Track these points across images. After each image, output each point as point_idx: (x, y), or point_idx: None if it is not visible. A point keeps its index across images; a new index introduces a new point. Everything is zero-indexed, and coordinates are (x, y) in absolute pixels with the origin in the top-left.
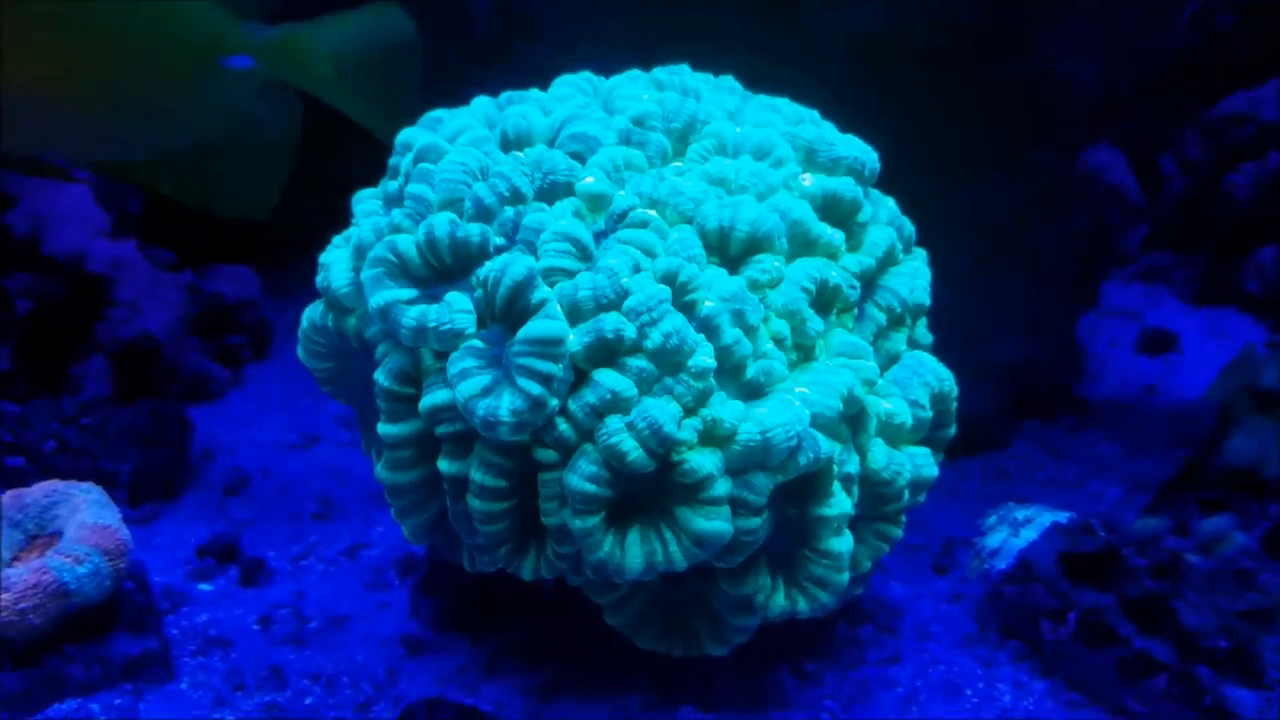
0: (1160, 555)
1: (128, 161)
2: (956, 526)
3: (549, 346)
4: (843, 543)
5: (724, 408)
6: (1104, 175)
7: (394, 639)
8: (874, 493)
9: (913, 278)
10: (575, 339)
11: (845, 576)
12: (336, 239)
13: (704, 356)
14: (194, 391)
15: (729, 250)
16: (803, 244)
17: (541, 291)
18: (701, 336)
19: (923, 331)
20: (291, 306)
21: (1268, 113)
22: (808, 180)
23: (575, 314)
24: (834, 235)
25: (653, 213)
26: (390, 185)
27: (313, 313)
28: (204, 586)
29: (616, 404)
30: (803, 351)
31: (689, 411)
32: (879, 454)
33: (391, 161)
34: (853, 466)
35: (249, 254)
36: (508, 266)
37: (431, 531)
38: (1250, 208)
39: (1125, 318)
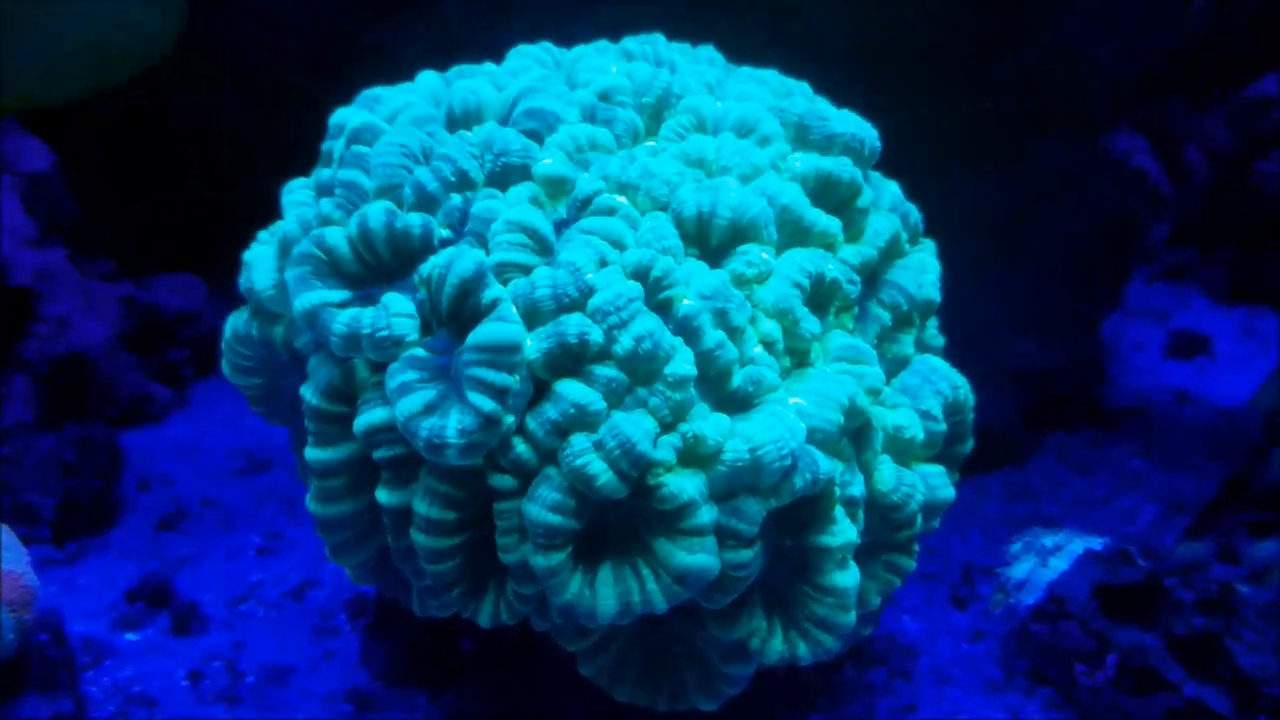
0: (1209, 586)
1: None
2: (976, 552)
3: (503, 354)
4: (848, 577)
5: (707, 422)
6: (1126, 162)
7: (340, 695)
8: (883, 518)
9: (920, 271)
10: (533, 345)
11: (851, 616)
12: (262, 234)
13: (683, 363)
14: (131, 414)
15: (709, 240)
16: (794, 233)
17: (494, 290)
18: (679, 340)
19: (933, 333)
20: None
21: None
22: (798, 161)
23: (533, 316)
24: (830, 223)
25: (622, 199)
26: (323, 173)
27: (236, 320)
28: (130, 636)
29: (582, 420)
30: (796, 356)
31: (666, 427)
32: (887, 473)
33: (324, 146)
34: (857, 489)
35: (196, 260)
36: (454, 261)
37: (374, 571)
38: None
39: (1150, 318)
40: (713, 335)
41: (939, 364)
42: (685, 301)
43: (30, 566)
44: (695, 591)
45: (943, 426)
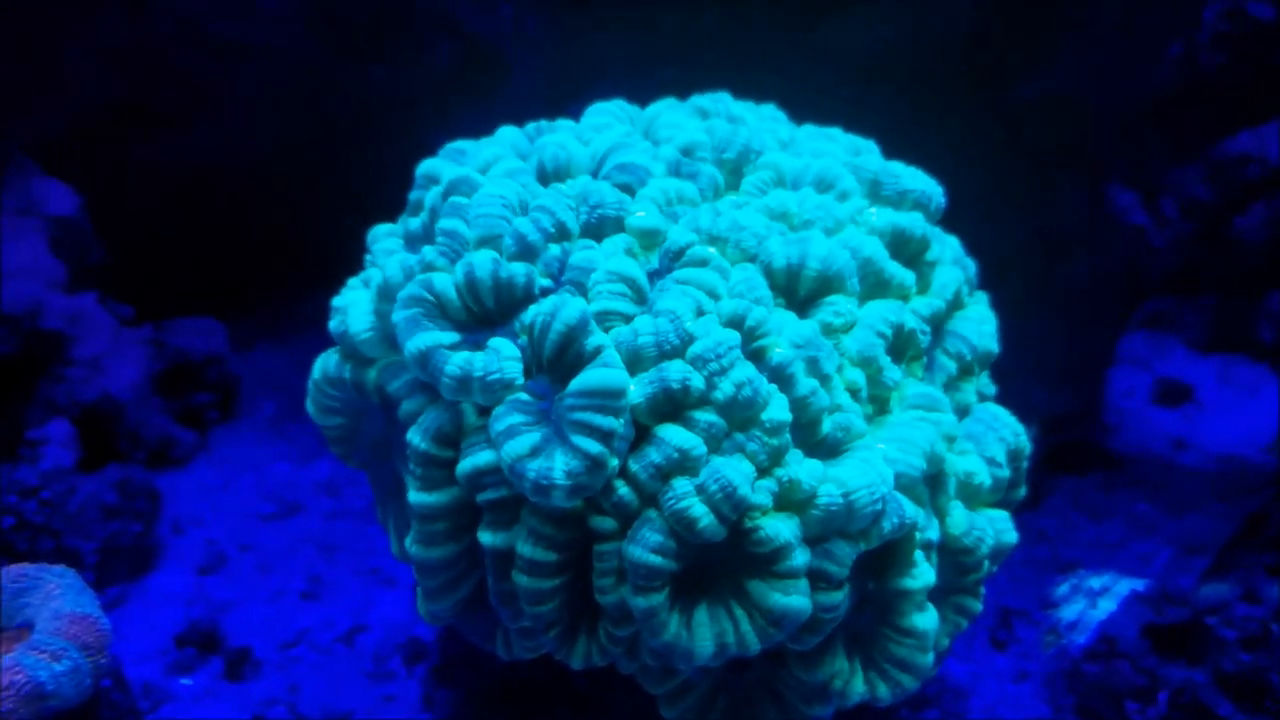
0: (1249, 625)
1: None
2: (1006, 595)
3: (609, 399)
4: (927, 619)
5: (801, 467)
6: (1124, 218)
7: None
8: (954, 562)
9: (980, 323)
10: (636, 390)
11: (930, 657)
12: (352, 281)
13: (779, 409)
14: (157, 457)
15: (798, 291)
16: (875, 284)
17: (597, 337)
18: (774, 387)
19: (987, 382)
20: (256, 361)
21: (1274, 151)
22: (874, 215)
23: (635, 362)
24: (906, 275)
25: (713, 250)
26: (412, 222)
27: (326, 362)
28: (185, 681)
29: (684, 464)
30: (878, 404)
31: (763, 472)
32: (959, 518)
33: (413, 196)
34: (934, 533)
35: (206, 306)
36: (559, 309)
37: (462, 614)
38: (1261, 251)
39: (1134, 366)
40: (806, 383)
41: (1001, 412)
42: (778, 350)
43: (102, 612)
44: (788, 633)
45: (1007, 472)
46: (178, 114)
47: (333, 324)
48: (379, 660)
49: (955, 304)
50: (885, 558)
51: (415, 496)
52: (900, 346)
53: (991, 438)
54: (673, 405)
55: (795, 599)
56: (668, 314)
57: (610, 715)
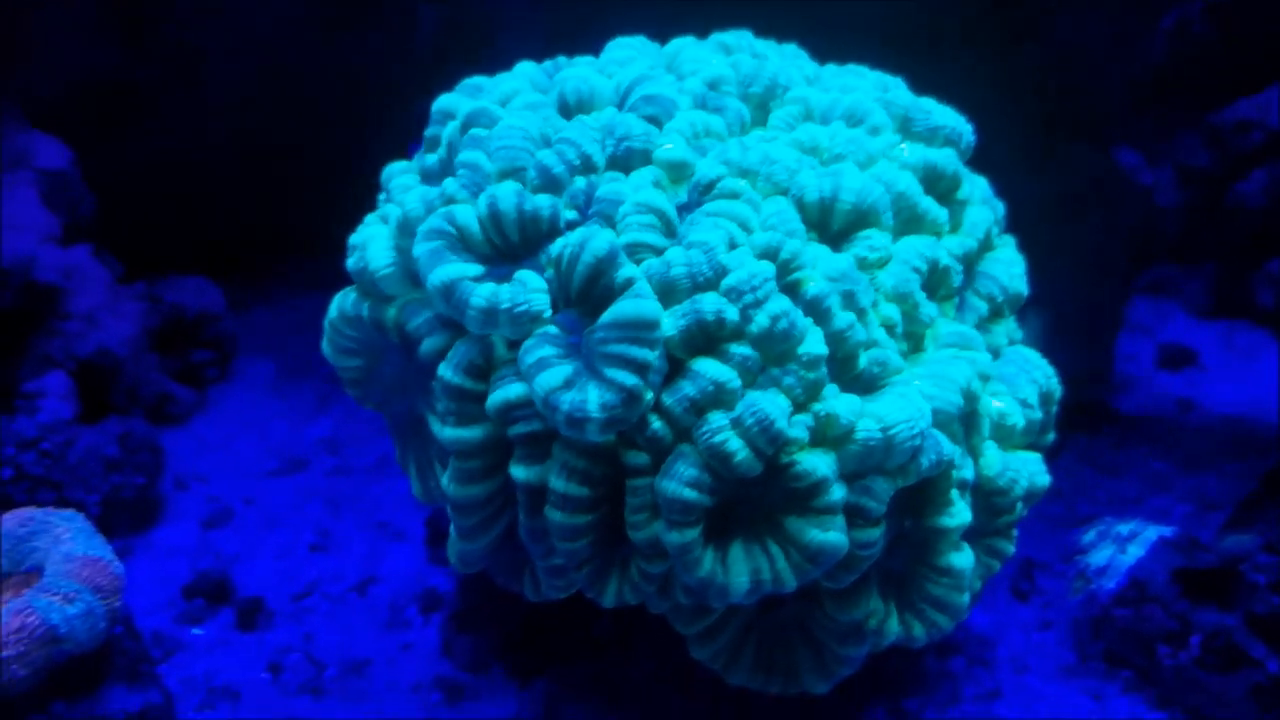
0: (1278, 572)
1: None
2: (1026, 547)
3: (642, 330)
4: (964, 558)
5: (839, 401)
6: (1133, 177)
7: (426, 683)
8: (986, 503)
9: (1010, 264)
10: (669, 322)
11: (966, 597)
12: (369, 217)
13: (815, 343)
14: (155, 414)
15: (831, 225)
16: (909, 220)
17: (628, 269)
18: (810, 321)
19: (1014, 326)
20: (250, 321)
21: (1275, 119)
22: (906, 151)
23: (667, 294)
24: (940, 212)
25: (743, 182)
26: (429, 158)
27: (343, 301)
28: (196, 631)
29: (719, 397)
30: (912, 340)
31: (799, 406)
32: (993, 458)
33: (429, 132)
34: (968, 472)
35: (199, 264)
36: (587, 240)
37: (493, 554)
38: (1262, 217)
39: (1137, 332)
40: (843, 316)
41: (1031, 354)
42: (813, 283)
43: (114, 555)
44: (824, 570)
45: (1039, 414)
46: (161, 81)
47: (350, 261)
48: (394, 610)
49: (986, 244)
50: (921, 496)
51: (450, 432)
52: (934, 283)
53: (1024, 379)
54: (707, 338)
55: (832, 535)
56: (700, 245)
57: (632, 661)
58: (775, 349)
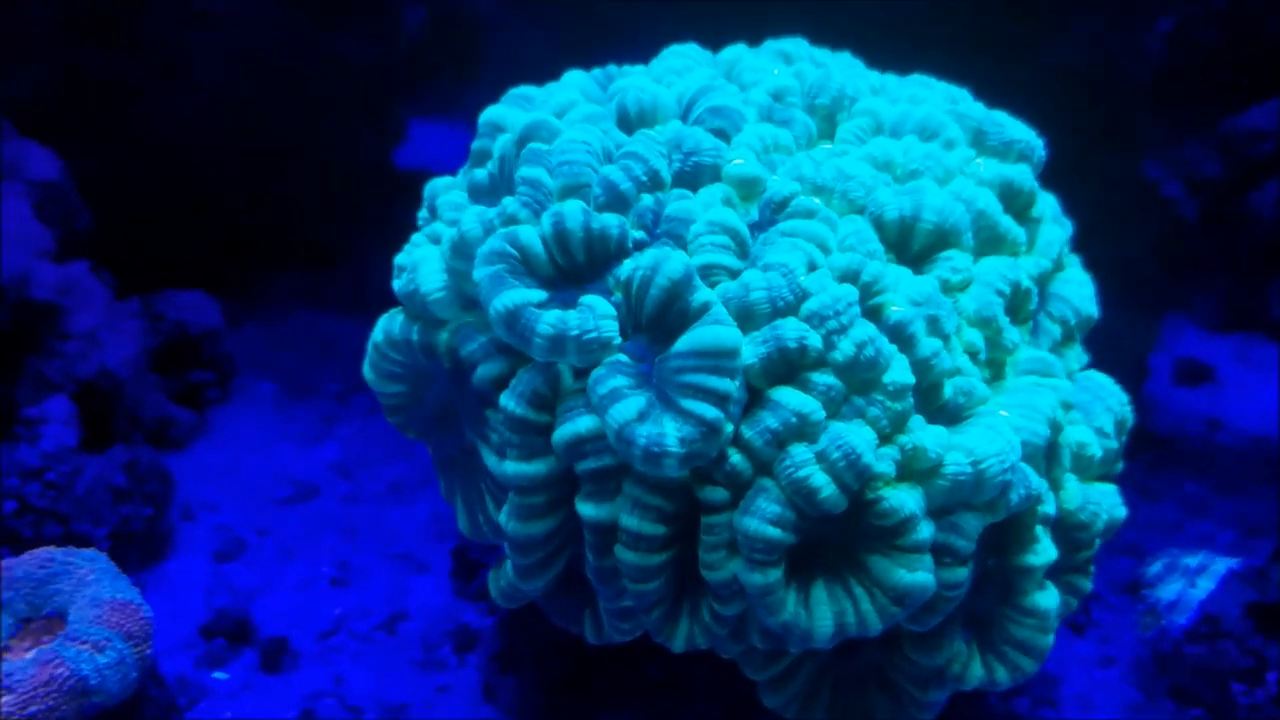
0: None
1: None
2: None
3: (722, 359)
4: (1049, 598)
5: (926, 433)
6: (1158, 190)
7: None
8: (1067, 538)
9: (1081, 286)
10: (748, 350)
11: (1050, 639)
12: (416, 237)
13: (901, 371)
14: (156, 439)
15: (910, 246)
16: (988, 240)
17: (704, 293)
18: (894, 348)
19: (1081, 350)
20: (243, 336)
21: None
22: (981, 166)
23: (745, 320)
24: (1019, 231)
25: (818, 200)
26: (478, 173)
27: (390, 324)
28: (218, 675)
29: (803, 429)
30: (994, 368)
31: (884, 439)
32: (1074, 491)
33: (476, 145)
34: (1051, 507)
35: (183, 279)
36: (661, 263)
37: (552, 595)
38: (1276, 228)
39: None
40: (928, 343)
41: (1105, 380)
42: (895, 308)
43: (143, 599)
44: (909, 612)
45: (1115, 444)
46: (143, 83)
47: (399, 283)
48: (428, 648)
49: (1057, 264)
50: (1006, 533)
51: (512, 466)
52: (1015, 307)
53: (1099, 407)
54: (788, 366)
55: (920, 575)
56: (779, 267)
57: (687, 706)
58: (859, 378)
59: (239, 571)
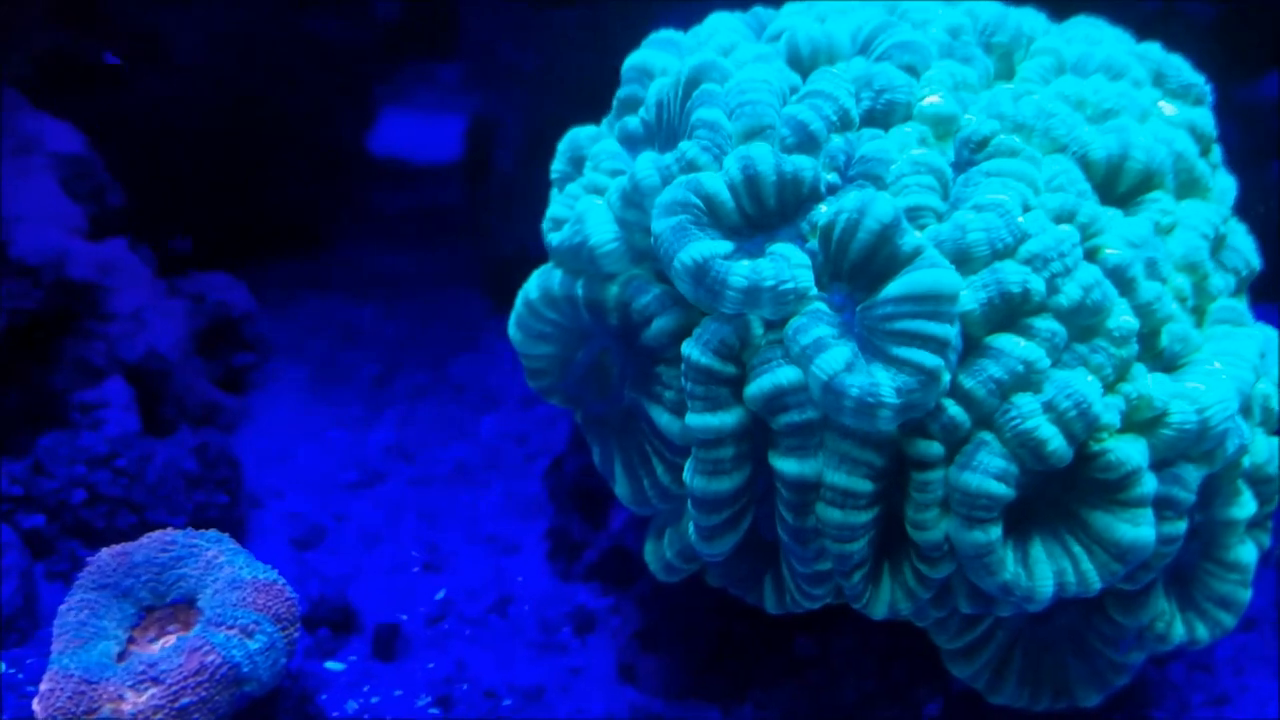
0: None
1: None
2: None
3: (941, 303)
4: (1250, 551)
5: (1150, 381)
6: None
7: (621, 715)
8: (1255, 491)
9: (1247, 236)
10: (967, 295)
11: (1249, 593)
12: (570, 188)
13: (1124, 316)
14: (202, 424)
15: (1116, 186)
16: (1186, 183)
17: (913, 236)
18: (1115, 291)
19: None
20: (279, 319)
21: None
22: (1168, 109)
23: (961, 263)
24: (1210, 176)
25: (1019, 138)
26: (629, 120)
27: (547, 281)
28: (332, 665)
29: (1028, 378)
30: (1198, 315)
31: (1108, 387)
32: (1261, 445)
33: (622, 93)
34: (1247, 459)
35: (213, 261)
36: (868, 206)
37: (729, 560)
38: None
39: None
40: (1148, 287)
41: (1273, 332)
42: (1111, 250)
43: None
44: (1129, 569)
45: None
46: (121, 65)
47: (559, 236)
48: (547, 631)
49: (1230, 214)
50: (1212, 485)
51: (697, 420)
52: (1214, 252)
53: (1273, 361)
54: (1010, 311)
55: (1144, 530)
56: (995, 208)
57: (839, 682)
58: (1083, 323)
59: (323, 559)
